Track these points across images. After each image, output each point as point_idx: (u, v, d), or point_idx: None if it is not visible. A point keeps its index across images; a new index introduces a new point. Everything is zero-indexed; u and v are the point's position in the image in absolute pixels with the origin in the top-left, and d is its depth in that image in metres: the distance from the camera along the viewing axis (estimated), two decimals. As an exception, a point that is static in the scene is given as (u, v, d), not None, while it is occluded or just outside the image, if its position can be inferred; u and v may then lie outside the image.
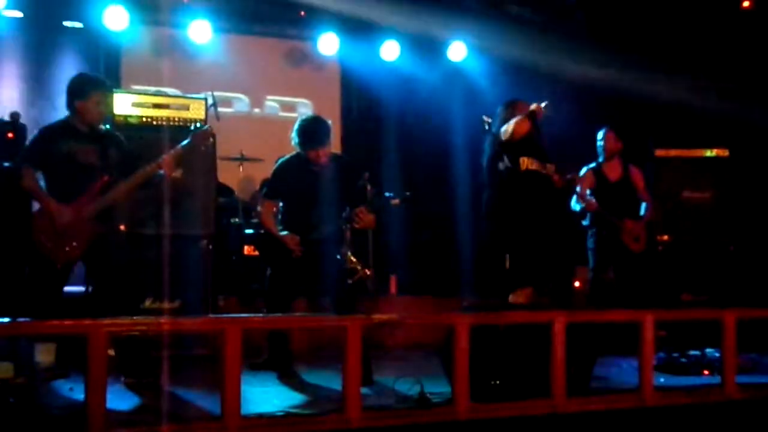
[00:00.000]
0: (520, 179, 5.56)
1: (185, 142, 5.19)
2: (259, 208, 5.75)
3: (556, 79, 8.43)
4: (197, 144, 5.23)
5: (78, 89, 5.03)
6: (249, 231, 7.38)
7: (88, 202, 4.93)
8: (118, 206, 5.20)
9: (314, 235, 5.45)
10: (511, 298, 5.36)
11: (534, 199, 5.57)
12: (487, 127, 5.71)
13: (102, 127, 5.17)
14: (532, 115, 5.54)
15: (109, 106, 5.60)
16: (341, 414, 3.98)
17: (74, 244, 4.87)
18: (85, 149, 5.00)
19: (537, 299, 5.38)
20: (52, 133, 5.01)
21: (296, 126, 5.56)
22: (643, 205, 6.96)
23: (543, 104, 5.57)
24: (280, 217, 5.65)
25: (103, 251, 4.98)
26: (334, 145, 6.84)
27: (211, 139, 5.24)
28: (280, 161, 5.71)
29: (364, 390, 4.22)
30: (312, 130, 5.48)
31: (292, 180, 5.55)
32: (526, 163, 5.56)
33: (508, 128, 5.52)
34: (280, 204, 5.67)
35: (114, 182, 5.04)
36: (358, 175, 5.66)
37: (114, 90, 6.37)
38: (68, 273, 5.02)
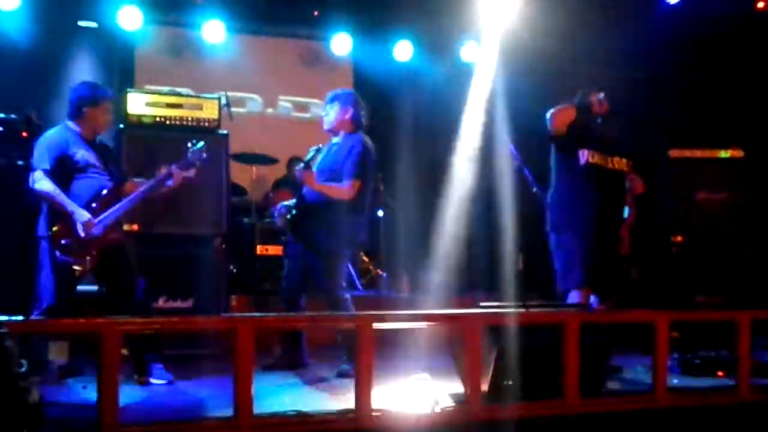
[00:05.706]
0: (580, 173, 5.23)
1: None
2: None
3: (570, 78, 8.38)
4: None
5: (89, 96, 5.05)
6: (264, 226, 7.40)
7: (109, 213, 4.94)
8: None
9: (295, 212, 5.50)
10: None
11: (595, 194, 5.27)
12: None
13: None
14: (581, 107, 5.23)
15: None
16: (353, 413, 3.98)
17: (94, 253, 4.88)
18: (93, 157, 5.03)
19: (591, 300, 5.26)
20: (61, 140, 5.00)
21: None
22: None
23: (600, 95, 5.26)
24: None
25: (117, 256, 5.01)
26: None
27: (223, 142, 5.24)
28: None
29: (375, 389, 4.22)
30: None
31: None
32: (586, 155, 5.17)
33: (548, 116, 5.15)
34: None
35: (122, 191, 5.08)
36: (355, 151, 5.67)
37: (128, 90, 6.41)
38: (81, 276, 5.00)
